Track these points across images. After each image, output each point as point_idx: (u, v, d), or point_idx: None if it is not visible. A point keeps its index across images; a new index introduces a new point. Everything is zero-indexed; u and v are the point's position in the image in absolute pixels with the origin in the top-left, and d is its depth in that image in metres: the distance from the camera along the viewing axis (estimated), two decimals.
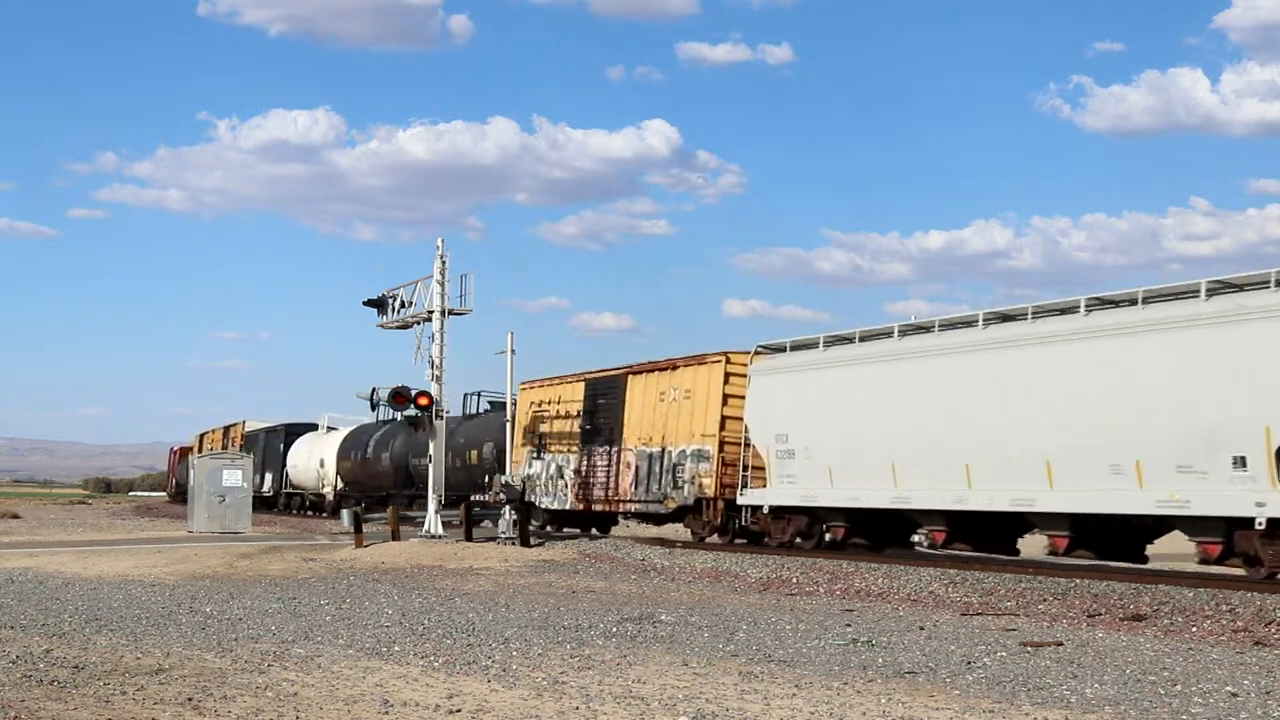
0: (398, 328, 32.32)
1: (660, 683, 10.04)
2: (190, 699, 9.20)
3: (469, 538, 29.77)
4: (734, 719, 8.70)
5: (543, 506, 32.48)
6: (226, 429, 70.09)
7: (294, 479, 55.88)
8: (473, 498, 34.59)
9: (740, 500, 25.57)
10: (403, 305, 31.83)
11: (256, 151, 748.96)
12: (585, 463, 31.19)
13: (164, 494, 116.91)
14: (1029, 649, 12.41)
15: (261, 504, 61.98)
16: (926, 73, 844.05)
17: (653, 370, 29.39)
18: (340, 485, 50.32)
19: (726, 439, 26.46)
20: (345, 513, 38.98)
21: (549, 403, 32.89)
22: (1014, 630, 14.17)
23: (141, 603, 16.59)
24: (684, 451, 27.44)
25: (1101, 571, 19.17)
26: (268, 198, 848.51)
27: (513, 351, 30.94)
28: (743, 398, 26.01)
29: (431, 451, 31.04)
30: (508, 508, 29.34)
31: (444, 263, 30.43)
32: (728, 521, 26.63)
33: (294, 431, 57.54)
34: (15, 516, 51.37)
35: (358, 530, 29.69)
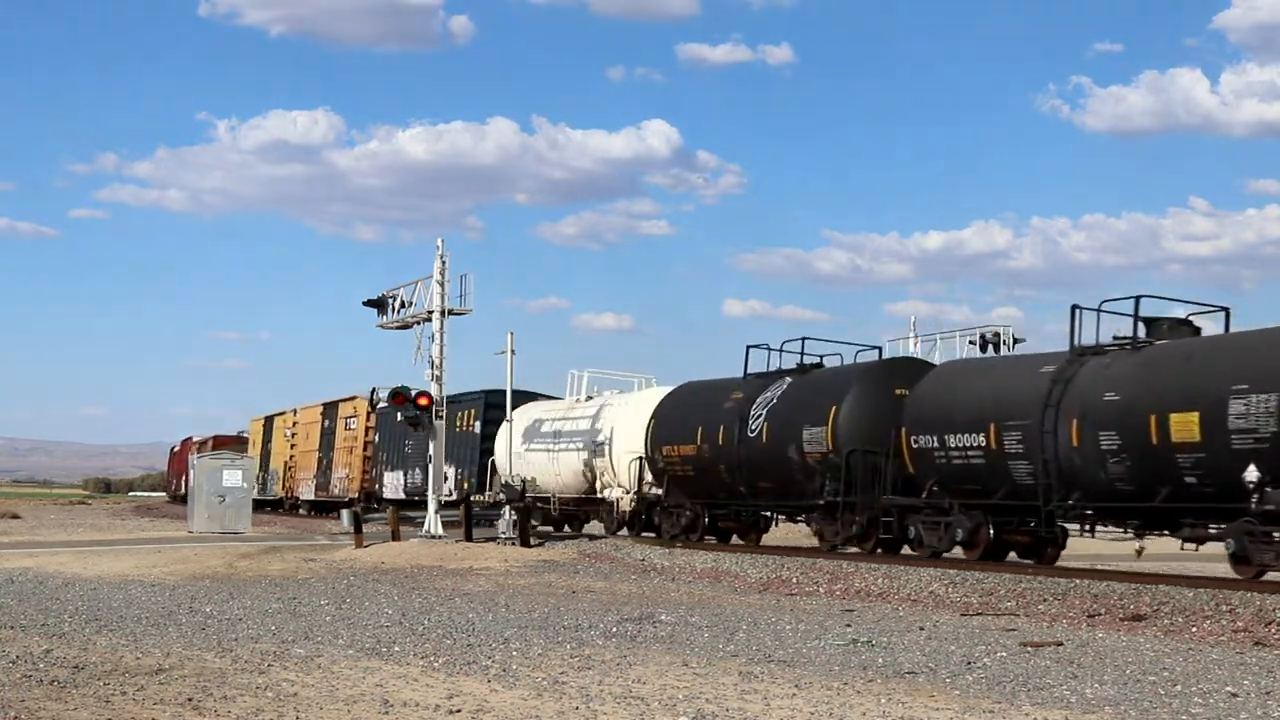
0: (398, 328, 32.34)
1: (660, 683, 10.04)
2: (190, 699, 9.20)
3: (469, 538, 29.78)
4: (734, 719, 8.70)
5: None
6: (330, 406, 51.25)
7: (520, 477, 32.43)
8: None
9: None
10: (403, 305, 31.87)
11: (256, 152, 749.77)
12: None
13: (164, 494, 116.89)
14: (1029, 649, 12.40)
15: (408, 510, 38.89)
16: (926, 73, 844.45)
17: None
18: (651, 487, 28.70)
19: None
20: (345, 513, 38.97)
21: None
22: (1014, 630, 14.17)
23: (141, 603, 16.59)
24: None
25: (1101, 571, 19.15)
26: (268, 198, 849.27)
27: (513, 352, 30.93)
28: None
29: (432, 451, 31.03)
30: (507, 508, 29.33)
31: (444, 263, 30.46)
32: None
33: (501, 403, 33.16)
34: (15, 516, 51.39)
35: (358, 530, 29.74)
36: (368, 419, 46.54)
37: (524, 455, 32.70)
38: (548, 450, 32.64)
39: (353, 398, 47.77)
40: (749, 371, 26.58)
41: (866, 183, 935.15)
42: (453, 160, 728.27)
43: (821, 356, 25.90)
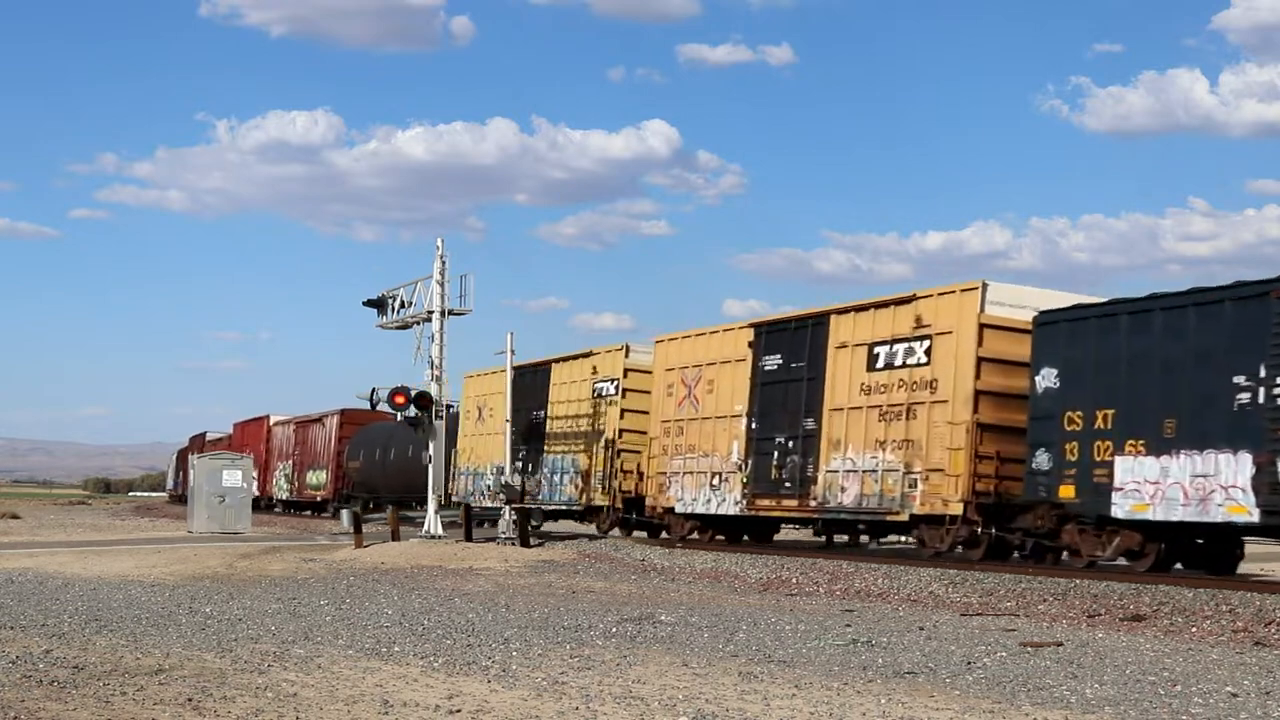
0: (398, 328, 32.34)
1: (660, 683, 10.04)
2: (190, 699, 9.20)
3: (469, 538, 29.78)
4: (734, 719, 8.70)
5: None
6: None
7: None
8: None
9: None
10: (403, 305, 31.88)
11: (256, 152, 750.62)
12: None
13: (164, 494, 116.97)
14: (1029, 649, 12.41)
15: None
16: (926, 73, 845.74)
17: None
18: None
19: None
20: (345, 513, 38.94)
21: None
22: (1014, 630, 14.17)
23: (141, 603, 16.58)
24: None
25: (1101, 571, 19.14)
26: (268, 198, 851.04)
27: (512, 352, 30.93)
28: None
29: (431, 451, 31.03)
30: (507, 508, 29.32)
31: (444, 263, 30.46)
32: None
33: None
34: (15, 517, 51.35)
35: (357, 530, 29.71)
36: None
37: None
38: None
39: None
40: None
41: (866, 183, 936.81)
42: (453, 160, 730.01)
43: None
